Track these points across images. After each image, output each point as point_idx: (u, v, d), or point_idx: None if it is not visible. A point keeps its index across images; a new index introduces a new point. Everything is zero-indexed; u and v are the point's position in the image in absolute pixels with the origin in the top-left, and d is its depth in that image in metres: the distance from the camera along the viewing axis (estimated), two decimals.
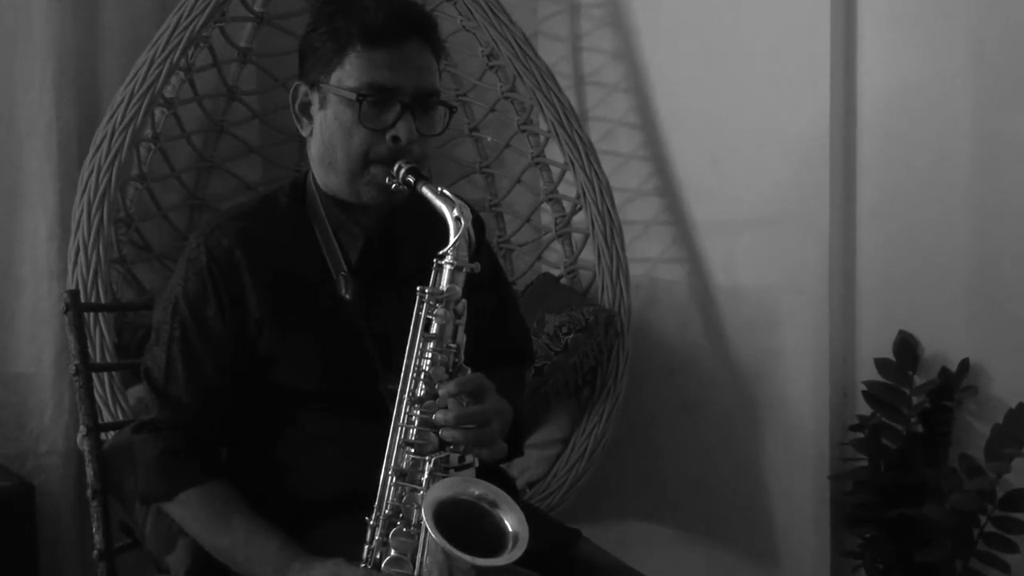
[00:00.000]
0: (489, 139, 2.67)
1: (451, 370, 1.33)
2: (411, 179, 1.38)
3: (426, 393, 1.32)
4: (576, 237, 2.53)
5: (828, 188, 2.30)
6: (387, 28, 1.39)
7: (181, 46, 2.24)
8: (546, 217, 2.66)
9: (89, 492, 1.66)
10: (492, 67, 2.51)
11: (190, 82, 2.37)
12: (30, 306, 2.32)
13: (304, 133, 1.49)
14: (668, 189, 2.61)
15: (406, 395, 1.33)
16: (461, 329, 1.35)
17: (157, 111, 2.30)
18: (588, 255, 2.46)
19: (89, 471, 1.67)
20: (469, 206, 1.43)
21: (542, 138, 2.53)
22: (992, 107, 2.16)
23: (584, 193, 2.41)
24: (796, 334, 2.39)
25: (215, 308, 1.44)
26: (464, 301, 1.35)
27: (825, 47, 2.28)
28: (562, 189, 2.54)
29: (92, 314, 2.11)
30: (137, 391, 2.15)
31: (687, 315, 2.58)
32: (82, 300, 1.92)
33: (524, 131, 2.55)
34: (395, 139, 1.40)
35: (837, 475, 2.34)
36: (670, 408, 2.60)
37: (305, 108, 1.48)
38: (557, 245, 2.58)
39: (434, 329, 1.33)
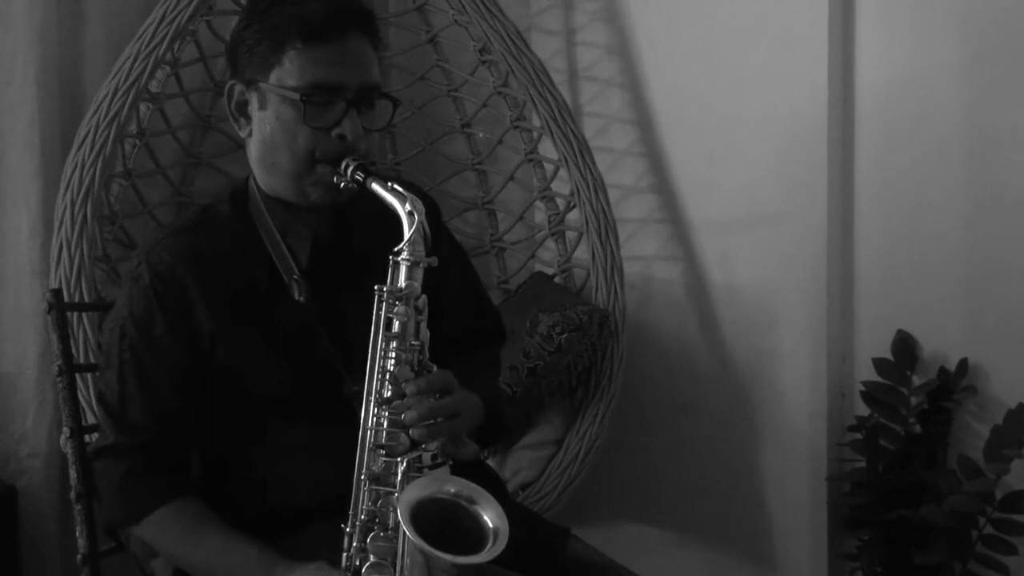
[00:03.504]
0: (481, 135, 2.67)
1: (416, 368, 1.31)
2: (360, 176, 1.35)
3: (393, 393, 1.30)
4: (570, 235, 2.53)
5: (825, 185, 2.30)
6: (327, 23, 1.36)
7: (167, 40, 2.22)
8: (539, 215, 2.66)
9: (73, 495, 1.63)
10: (484, 62, 2.50)
11: (176, 76, 2.35)
12: (12, 305, 2.30)
13: (242, 134, 1.45)
14: (663, 186, 2.61)
15: (372, 397, 1.31)
16: (423, 325, 1.32)
17: (142, 106, 2.28)
18: (582, 253, 2.46)
19: (72, 473, 1.64)
20: (422, 192, 1.41)
21: (535, 134, 2.53)
22: (991, 102, 2.15)
23: (578, 190, 2.41)
24: (793, 333, 2.38)
25: (163, 326, 1.41)
26: (424, 297, 1.32)
27: (822, 42, 2.27)
28: (556, 186, 2.54)
29: (76, 313, 2.09)
30: None
31: (682, 314, 2.58)
32: (65, 299, 1.90)
33: (517, 127, 2.54)
34: (341, 137, 1.37)
35: (834, 476, 2.33)
36: (665, 409, 2.59)
37: (242, 108, 1.43)
38: (551, 243, 2.58)
39: (396, 328, 1.31)
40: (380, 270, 1.33)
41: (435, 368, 1.32)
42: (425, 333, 1.32)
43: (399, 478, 1.27)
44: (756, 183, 2.41)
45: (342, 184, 1.36)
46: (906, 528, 2.13)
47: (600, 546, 1.53)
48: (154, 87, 2.28)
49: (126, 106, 2.19)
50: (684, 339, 2.56)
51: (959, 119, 2.18)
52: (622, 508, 2.64)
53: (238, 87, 1.42)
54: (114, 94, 2.19)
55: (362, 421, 1.30)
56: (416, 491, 1.22)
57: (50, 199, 2.23)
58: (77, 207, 2.15)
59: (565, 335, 2.29)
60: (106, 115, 2.18)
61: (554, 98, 2.41)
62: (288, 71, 1.36)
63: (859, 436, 2.23)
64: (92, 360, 2.09)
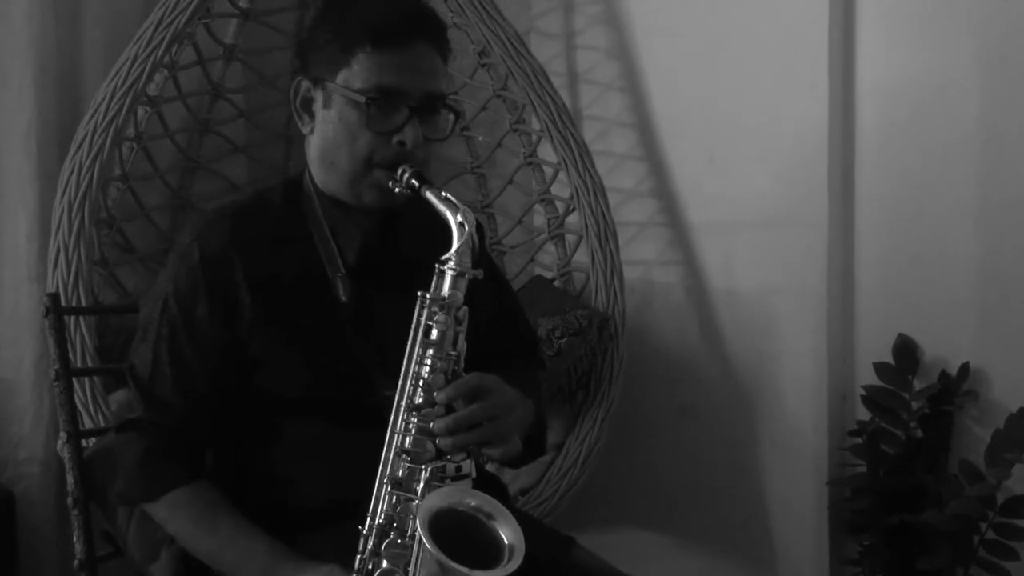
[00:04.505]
0: (481, 138, 2.66)
1: (450, 378, 1.31)
2: (415, 183, 1.36)
3: (424, 401, 1.30)
4: (569, 239, 2.53)
5: (827, 188, 2.30)
6: (398, 30, 1.37)
7: (165, 43, 2.21)
8: (539, 218, 2.65)
9: (70, 500, 1.63)
10: (484, 65, 2.50)
11: (174, 80, 2.34)
12: (9, 309, 2.29)
13: (304, 131, 1.46)
14: (663, 190, 2.60)
15: (403, 402, 1.31)
16: (462, 337, 1.33)
17: (140, 109, 2.27)
18: (582, 257, 2.46)
19: (70, 478, 1.64)
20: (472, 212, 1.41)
21: (535, 138, 2.52)
22: (994, 105, 2.15)
23: (578, 194, 2.40)
24: (794, 337, 2.38)
25: (206, 308, 1.41)
26: (465, 308, 1.32)
27: (823, 44, 2.27)
28: (555, 190, 2.53)
29: (73, 317, 2.09)
30: (119, 396, 2.12)
31: (683, 318, 2.57)
32: (63, 303, 1.89)
33: (516, 130, 2.54)
34: (401, 143, 1.38)
35: (835, 481, 2.32)
36: (665, 413, 2.58)
37: (306, 105, 1.45)
38: (550, 247, 2.58)
39: (434, 335, 1.31)
40: (424, 277, 1.33)
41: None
42: (463, 344, 1.32)
43: (421, 485, 1.27)
44: (757, 186, 2.40)
45: (397, 189, 1.37)
46: (907, 533, 2.12)
47: (600, 551, 1.52)
48: (152, 90, 2.28)
49: (124, 109, 2.18)
50: (684, 343, 2.56)
51: (961, 122, 2.17)
52: (622, 513, 2.63)
53: (304, 84, 1.44)
54: (112, 97, 2.18)
55: (390, 425, 1.30)
56: (436, 500, 1.22)
57: (47, 202, 2.22)
58: (74, 211, 2.14)
59: (565, 339, 2.28)
60: (104, 118, 2.17)
61: (554, 101, 2.40)
62: (355, 73, 1.37)
63: (860, 440, 2.22)
64: (89, 364, 2.09)
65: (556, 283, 2.52)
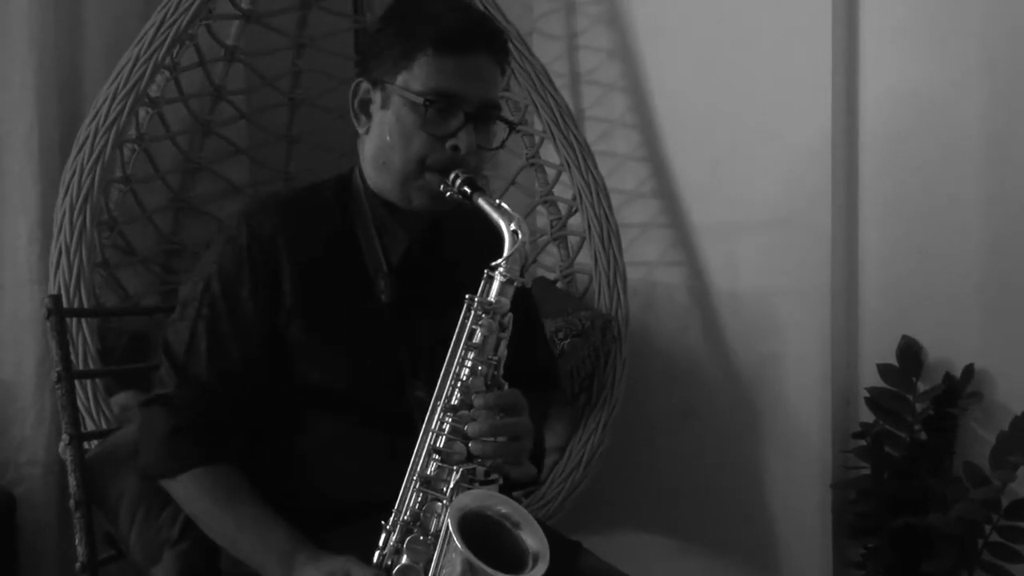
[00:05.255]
0: None
1: (489, 382, 1.32)
2: (467, 189, 1.37)
3: (461, 402, 1.31)
4: (572, 240, 2.52)
5: (830, 189, 2.30)
6: (461, 36, 1.39)
7: (166, 44, 2.21)
8: (541, 220, 2.65)
9: (72, 503, 1.63)
10: None
11: (175, 81, 2.34)
12: (11, 311, 2.28)
13: (361, 131, 1.48)
14: (666, 191, 2.59)
15: (441, 402, 1.32)
16: (504, 343, 1.34)
17: (141, 111, 2.27)
18: (584, 258, 2.45)
19: (72, 481, 1.63)
20: None
21: (537, 139, 2.52)
22: (999, 110, 2.14)
23: (580, 195, 2.40)
24: (798, 339, 2.37)
25: (249, 290, 1.42)
26: (510, 315, 1.34)
27: (827, 43, 2.27)
28: (558, 191, 2.53)
29: (75, 319, 2.08)
30: (121, 399, 2.13)
31: (686, 320, 2.56)
32: (64, 305, 1.89)
33: (519, 131, 2.52)
34: (455, 148, 1.39)
35: (839, 484, 2.32)
36: (669, 415, 2.58)
37: (364, 106, 1.46)
38: (553, 248, 2.58)
39: (477, 339, 1.33)
40: (466, 284, 1.35)
41: (507, 386, 1.33)
42: (503, 351, 1.34)
43: (450, 486, 1.28)
44: (760, 187, 2.40)
45: (448, 194, 1.38)
46: (912, 536, 2.12)
47: (603, 553, 1.53)
48: (153, 92, 2.28)
49: (125, 111, 2.17)
50: (687, 345, 2.55)
51: (965, 127, 2.17)
52: (625, 515, 2.62)
53: (364, 85, 1.45)
54: (113, 99, 2.18)
55: (424, 423, 1.31)
56: (467, 501, 1.22)
57: (49, 204, 2.21)
58: (76, 212, 2.14)
59: (567, 341, 2.27)
60: (105, 120, 2.17)
61: (556, 102, 2.40)
62: (416, 76, 1.39)
63: (864, 443, 2.22)
64: (91, 366, 2.09)
65: (559, 285, 2.52)
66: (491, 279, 1.33)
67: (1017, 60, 2.11)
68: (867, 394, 2.24)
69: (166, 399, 1.43)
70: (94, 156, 2.16)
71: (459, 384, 1.31)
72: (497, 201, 1.36)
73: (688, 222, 2.56)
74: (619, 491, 2.57)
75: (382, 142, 1.43)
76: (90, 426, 2.03)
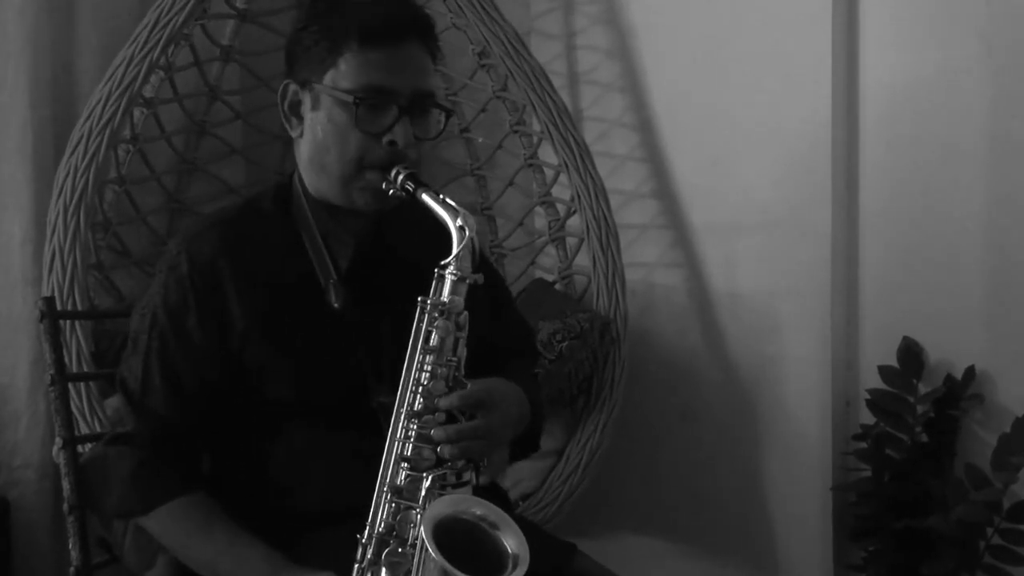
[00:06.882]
0: (480, 140, 2.65)
1: (451, 384, 1.30)
2: (410, 185, 1.35)
3: (424, 407, 1.29)
4: (570, 241, 2.52)
5: (830, 190, 2.29)
6: (385, 28, 1.36)
7: (161, 44, 2.20)
8: (539, 221, 2.65)
9: (65, 507, 1.61)
10: (483, 66, 2.49)
11: (170, 81, 2.33)
12: (4, 314, 2.27)
13: (293, 134, 1.46)
14: (665, 192, 2.59)
15: (404, 409, 1.30)
16: (462, 342, 1.32)
17: (136, 111, 2.26)
18: (583, 260, 2.45)
19: (65, 485, 1.62)
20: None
21: (535, 139, 2.51)
22: (999, 106, 2.14)
23: (579, 196, 2.39)
24: (797, 341, 2.37)
25: (196, 319, 1.40)
26: (466, 313, 1.32)
27: (827, 44, 2.27)
28: (556, 192, 2.52)
29: (68, 322, 2.07)
30: (114, 402, 2.09)
31: (685, 321, 2.56)
32: (58, 307, 1.87)
33: (516, 132, 2.53)
34: (392, 143, 1.37)
35: (840, 486, 2.32)
36: (668, 417, 2.58)
37: (295, 108, 1.44)
38: (551, 249, 2.57)
39: (434, 341, 1.31)
40: (419, 281, 1.32)
41: (469, 385, 1.31)
42: (463, 350, 1.32)
43: (422, 494, 1.27)
44: (759, 188, 2.40)
45: (391, 192, 1.36)
46: (913, 538, 2.11)
47: (601, 557, 1.52)
48: (148, 92, 2.27)
49: (119, 111, 2.17)
50: (687, 346, 2.55)
51: (966, 124, 2.17)
52: (624, 518, 2.62)
53: (292, 87, 1.44)
54: (107, 99, 2.17)
55: (390, 432, 1.29)
56: (440, 508, 1.21)
57: (42, 206, 2.21)
58: (70, 214, 2.13)
59: (566, 343, 2.27)
60: (99, 120, 2.16)
61: (554, 102, 2.39)
62: (343, 73, 1.37)
63: (865, 445, 2.22)
64: (85, 369, 2.08)
65: (557, 286, 2.51)
66: (442, 278, 1.31)
67: (1021, 56, 2.11)
68: (868, 396, 2.23)
69: (127, 437, 1.42)
70: (88, 157, 2.15)
71: (420, 389, 1.29)
72: (441, 196, 1.33)
73: (687, 223, 2.55)
74: (618, 494, 2.57)
75: (317, 144, 1.40)
76: (84, 429, 2.02)
